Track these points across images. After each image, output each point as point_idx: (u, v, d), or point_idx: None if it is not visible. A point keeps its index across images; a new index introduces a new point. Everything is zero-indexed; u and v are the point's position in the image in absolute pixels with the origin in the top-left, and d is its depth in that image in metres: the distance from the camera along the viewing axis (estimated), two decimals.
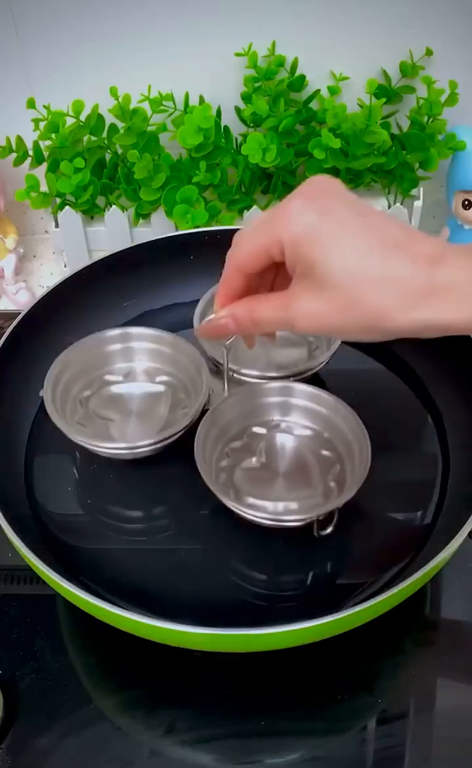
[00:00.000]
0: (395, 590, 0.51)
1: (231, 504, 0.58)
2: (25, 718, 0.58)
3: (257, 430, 0.64)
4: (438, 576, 0.64)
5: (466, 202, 0.83)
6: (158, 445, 0.62)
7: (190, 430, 0.61)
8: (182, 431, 0.62)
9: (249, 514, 0.58)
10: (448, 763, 0.57)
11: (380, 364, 0.72)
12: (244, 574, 0.60)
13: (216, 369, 0.66)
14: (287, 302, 0.46)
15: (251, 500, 0.60)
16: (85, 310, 0.74)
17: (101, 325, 0.76)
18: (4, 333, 0.67)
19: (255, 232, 0.47)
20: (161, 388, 0.67)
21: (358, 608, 0.51)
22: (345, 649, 0.60)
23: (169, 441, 0.62)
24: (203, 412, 0.63)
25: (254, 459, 0.63)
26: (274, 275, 0.51)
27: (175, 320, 0.77)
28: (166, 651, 0.55)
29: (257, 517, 0.57)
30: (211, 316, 0.51)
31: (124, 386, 0.68)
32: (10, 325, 0.68)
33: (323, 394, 0.63)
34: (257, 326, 0.49)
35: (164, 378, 0.68)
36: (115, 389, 0.68)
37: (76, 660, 0.62)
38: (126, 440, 0.63)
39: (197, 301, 0.70)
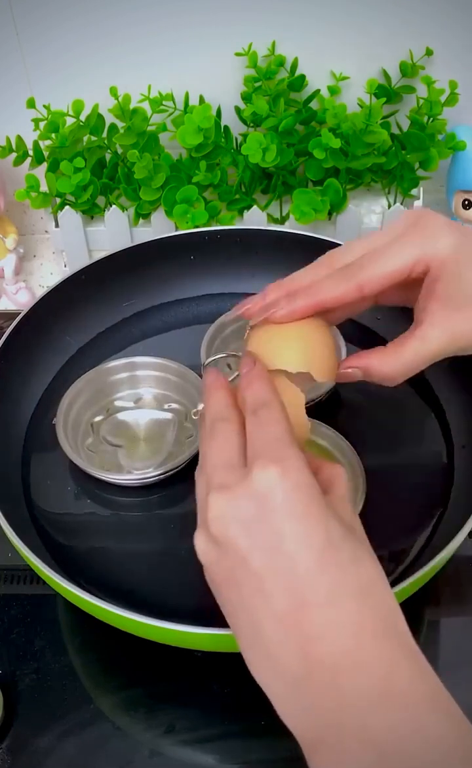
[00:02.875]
0: (395, 590, 0.51)
1: None
2: (25, 718, 0.58)
3: None
4: (438, 576, 0.64)
5: (466, 202, 0.83)
6: (163, 476, 0.64)
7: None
8: (187, 461, 0.64)
9: None
10: None
11: None
12: None
13: None
14: (426, 333, 0.44)
15: None
16: (85, 309, 0.74)
17: (101, 324, 0.76)
18: (4, 333, 0.67)
19: (397, 248, 0.44)
20: (169, 415, 0.68)
21: None
22: None
23: (173, 471, 0.64)
24: None
25: None
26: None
27: (175, 320, 0.77)
28: (166, 651, 0.55)
29: None
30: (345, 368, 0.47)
31: (134, 413, 0.69)
32: (10, 325, 0.68)
33: (322, 428, 0.65)
34: (395, 377, 0.47)
35: (173, 405, 0.69)
36: (124, 416, 0.69)
37: (76, 660, 0.62)
38: (134, 469, 0.65)
39: (197, 299, 0.70)
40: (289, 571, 0.35)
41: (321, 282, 0.45)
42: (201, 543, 0.39)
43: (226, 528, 0.37)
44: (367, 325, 0.74)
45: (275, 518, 0.36)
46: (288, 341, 0.45)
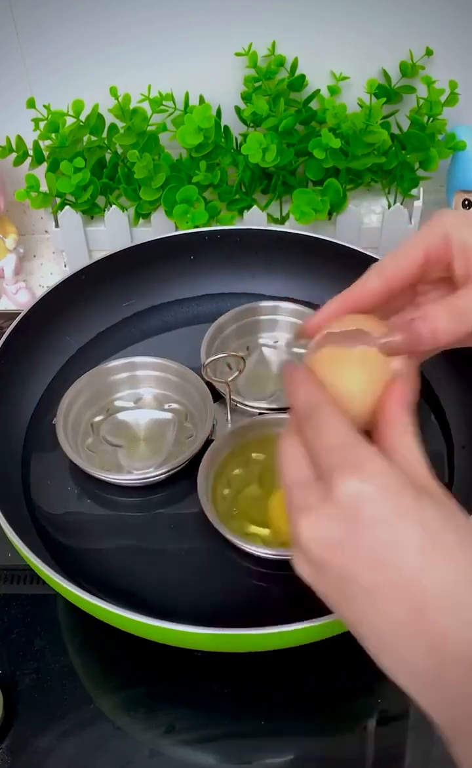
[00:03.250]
0: None
1: (231, 537, 0.59)
2: (25, 718, 0.58)
3: (256, 456, 0.65)
4: None
5: (466, 202, 0.83)
6: (163, 476, 0.64)
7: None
8: (187, 461, 0.64)
9: (248, 549, 0.58)
10: (448, 763, 0.57)
11: None
12: (244, 574, 0.60)
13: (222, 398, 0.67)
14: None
15: (253, 528, 0.61)
16: (85, 309, 0.74)
17: (101, 324, 0.76)
18: (4, 333, 0.67)
19: (411, 240, 0.44)
20: (169, 415, 0.68)
21: None
22: (345, 649, 0.59)
23: (173, 471, 0.64)
24: (207, 441, 0.64)
25: (254, 486, 0.63)
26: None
27: (175, 320, 0.77)
28: (166, 651, 0.55)
29: (257, 551, 0.58)
30: (387, 338, 0.42)
31: (134, 413, 0.69)
32: (10, 325, 0.68)
33: None
34: (465, 323, 0.42)
35: (173, 405, 0.69)
36: (125, 415, 0.69)
37: (76, 660, 0.62)
38: (134, 469, 0.65)
39: (197, 299, 0.70)
40: (397, 580, 0.35)
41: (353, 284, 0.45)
42: (302, 567, 0.38)
43: (322, 551, 0.36)
44: None
45: (368, 532, 0.35)
46: (349, 366, 0.43)
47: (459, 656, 0.34)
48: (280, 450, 0.40)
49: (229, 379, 0.64)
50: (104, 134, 0.80)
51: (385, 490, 0.35)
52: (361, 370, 0.42)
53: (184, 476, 0.64)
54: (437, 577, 0.35)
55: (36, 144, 0.79)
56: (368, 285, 0.44)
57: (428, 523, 0.35)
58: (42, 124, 0.78)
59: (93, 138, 0.80)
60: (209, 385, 0.66)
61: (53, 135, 0.77)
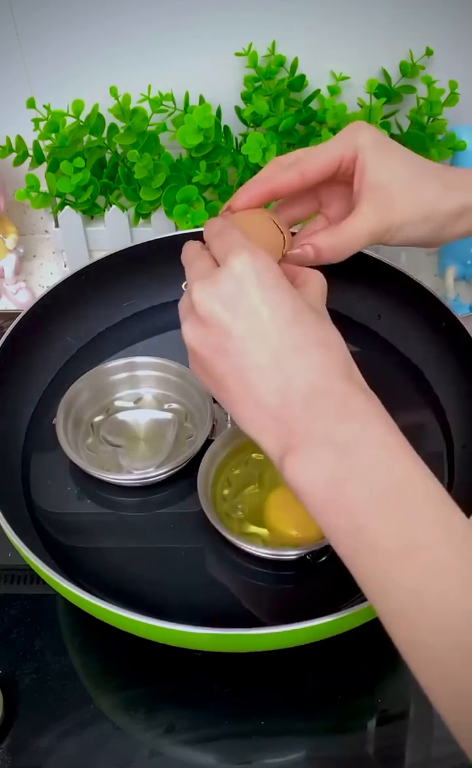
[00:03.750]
0: None
1: (231, 537, 0.59)
2: (25, 718, 0.58)
3: (256, 456, 0.65)
4: None
5: None
6: (163, 476, 0.64)
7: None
8: (187, 461, 0.64)
9: (248, 549, 0.58)
10: (448, 763, 0.57)
11: (384, 363, 0.72)
12: (244, 574, 0.60)
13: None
14: (361, 211, 0.52)
15: (253, 528, 0.61)
16: (85, 309, 0.74)
17: (101, 324, 0.76)
18: (4, 333, 0.67)
19: (329, 144, 0.53)
20: (169, 415, 0.68)
21: (358, 608, 0.51)
22: (345, 649, 0.60)
23: (173, 471, 0.64)
24: (207, 441, 0.64)
25: (254, 486, 0.63)
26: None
27: (175, 320, 0.77)
28: (166, 651, 0.54)
29: (257, 551, 0.58)
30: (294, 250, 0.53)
31: (134, 413, 0.69)
32: (10, 325, 0.68)
33: None
34: (341, 253, 0.53)
35: (173, 405, 0.69)
36: (125, 415, 0.69)
37: (76, 660, 0.62)
38: (134, 469, 0.65)
39: None
40: (266, 330, 0.43)
41: (270, 174, 0.54)
42: (188, 329, 0.45)
43: (211, 306, 0.43)
44: (366, 325, 0.74)
45: (252, 291, 0.43)
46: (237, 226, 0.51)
47: (303, 391, 0.42)
48: (189, 265, 0.48)
49: None
50: (104, 134, 0.80)
51: (270, 268, 0.43)
52: (264, 230, 0.52)
53: (185, 476, 0.64)
54: (297, 333, 0.43)
55: (36, 144, 0.79)
56: (289, 177, 0.53)
57: (298, 301, 0.44)
58: (42, 124, 0.78)
59: (93, 138, 0.80)
60: None
61: (53, 135, 0.77)
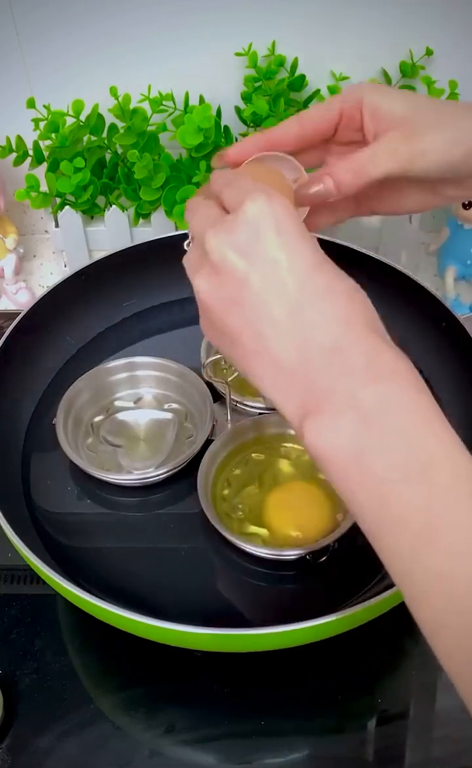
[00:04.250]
0: (394, 590, 0.51)
1: (231, 537, 0.59)
2: (25, 718, 0.58)
3: (256, 456, 0.65)
4: None
5: (466, 202, 0.83)
6: (163, 476, 0.64)
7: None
8: (187, 461, 0.64)
9: (248, 549, 0.58)
10: (448, 763, 0.57)
11: None
12: (244, 574, 0.60)
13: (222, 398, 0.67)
14: (376, 145, 0.48)
15: (253, 528, 0.61)
16: (85, 309, 0.74)
17: (101, 324, 0.76)
18: (4, 333, 0.67)
19: (333, 99, 0.51)
20: (169, 415, 0.68)
21: (358, 608, 0.51)
22: (345, 649, 0.60)
23: (173, 471, 0.64)
24: (207, 441, 0.64)
25: (254, 485, 0.63)
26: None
27: (175, 320, 0.77)
28: (166, 651, 0.55)
29: (257, 551, 0.58)
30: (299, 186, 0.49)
31: (134, 413, 0.69)
32: (10, 325, 0.68)
33: None
34: (362, 177, 0.49)
35: (173, 405, 0.69)
36: (125, 415, 0.69)
37: (76, 660, 0.62)
38: (134, 469, 0.65)
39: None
40: (285, 279, 0.40)
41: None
42: (201, 281, 0.42)
43: (225, 254, 0.41)
44: None
45: (269, 238, 0.40)
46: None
47: (325, 345, 0.39)
48: (193, 212, 0.45)
49: (229, 379, 0.64)
50: (104, 134, 0.80)
51: (288, 212, 0.41)
52: (271, 180, 0.48)
53: (185, 476, 0.64)
54: (319, 282, 0.40)
55: (36, 144, 0.79)
56: (286, 126, 0.50)
57: (318, 248, 0.41)
58: (42, 124, 0.78)
59: (93, 138, 0.80)
60: (209, 385, 0.66)
61: (53, 135, 0.77)
